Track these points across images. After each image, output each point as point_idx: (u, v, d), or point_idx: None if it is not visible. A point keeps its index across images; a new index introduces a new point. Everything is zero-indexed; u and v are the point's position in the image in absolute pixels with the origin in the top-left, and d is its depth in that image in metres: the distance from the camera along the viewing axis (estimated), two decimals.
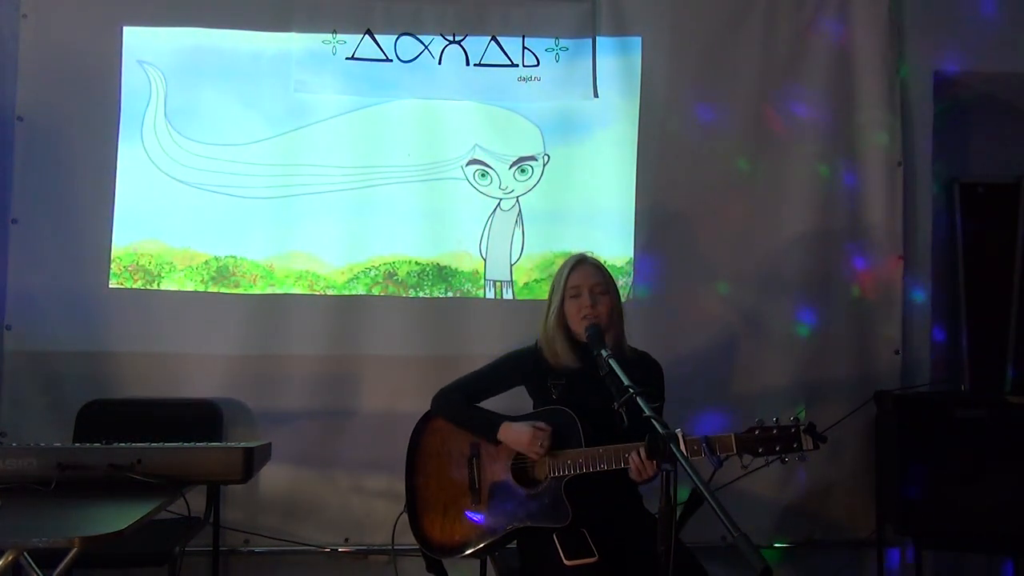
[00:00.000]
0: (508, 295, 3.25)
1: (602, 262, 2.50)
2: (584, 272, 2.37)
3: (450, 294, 3.23)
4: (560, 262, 3.16)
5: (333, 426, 3.15)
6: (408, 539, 2.41)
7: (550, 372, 2.40)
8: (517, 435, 2.30)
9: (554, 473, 2.28)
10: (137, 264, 3.16)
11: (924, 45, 3.35)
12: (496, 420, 2.36)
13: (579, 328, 2.32)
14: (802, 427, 2.07)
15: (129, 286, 3.16)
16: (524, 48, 3.28)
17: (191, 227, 3.20)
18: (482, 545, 2.31)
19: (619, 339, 2.39)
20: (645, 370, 2.41)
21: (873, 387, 3.19)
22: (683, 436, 1.98)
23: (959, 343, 3.49)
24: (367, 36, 3.25)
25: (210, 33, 3.22)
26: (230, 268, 3.19)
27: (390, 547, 2.55)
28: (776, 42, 3.31)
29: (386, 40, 3.25)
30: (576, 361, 2.35)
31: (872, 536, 3.20)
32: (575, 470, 2.25)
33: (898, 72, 3.33)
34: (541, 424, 2.29)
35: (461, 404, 2.43)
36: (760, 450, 2.08)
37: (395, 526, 2.47)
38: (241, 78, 3.22)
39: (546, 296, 2.49)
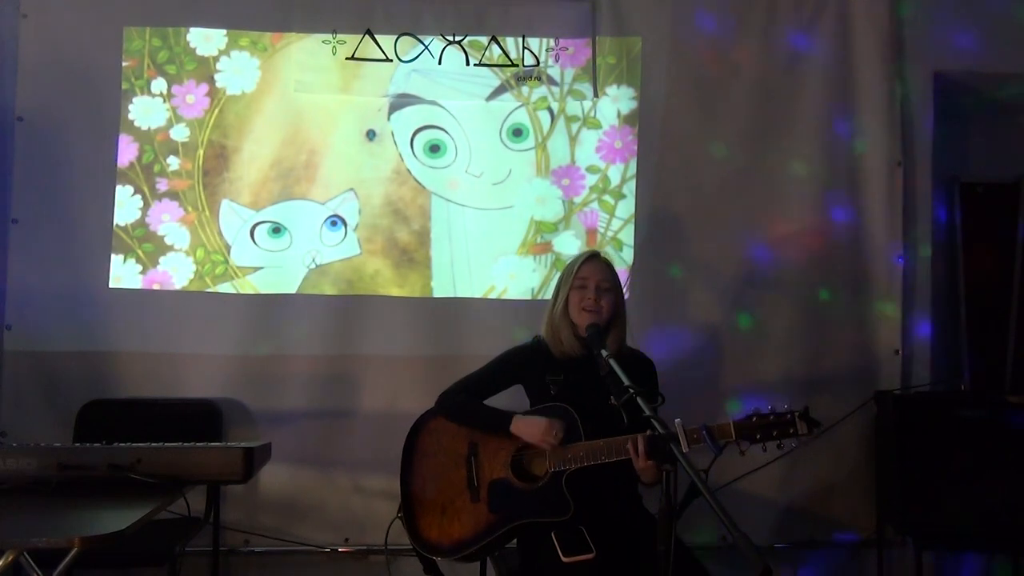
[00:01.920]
0: (508, 295, 3.25)
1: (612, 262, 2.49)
2: (594, 267, 2.40)
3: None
4: (560, 263, 3.22)
5: (333, 426, 3.15)
6: (406, 539, 2.41)
7: (548, 368, 2.40)
8: (531, 427, 2.30)
9: (554, 468, 2.28)
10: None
11: (924, 45, 3.35)
12: (506, 415, 2.36)
13: (579, 319, 2.34)
14: (796, 413, 2.10)
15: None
16: (524, 48, 3.28)
17: (192, 227, 3.21)
18: (482, 544, 2.31)
19: (620, 341, 2.39)
20: (638, 368, 2.41)
21: (873, 387, 3.19)
22: (682, 426, 1.99)
23: (959, 343, 3.49)
24: (367, 36, 3.25)
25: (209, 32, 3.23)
26: (229, 271, 3.20)
27: (385, 548, 2.54)
28: (776, 44, 3.31)
29: (386, 40, 3.26)
30: (580, 350, 2.35)
31: (872, 536, 3.20)
32: (576, 464, 2.25)
33: (898, 72, 3.33)
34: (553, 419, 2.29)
35: (469, 403, 2.43)
36: (758, 436, 2.10)
37: (389, 528, 2.46)
38: None
39: (547, 296, 2.49)
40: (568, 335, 2.37)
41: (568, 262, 2.49)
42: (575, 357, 2.37)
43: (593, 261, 2.42)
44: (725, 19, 3.31)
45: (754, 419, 2.12)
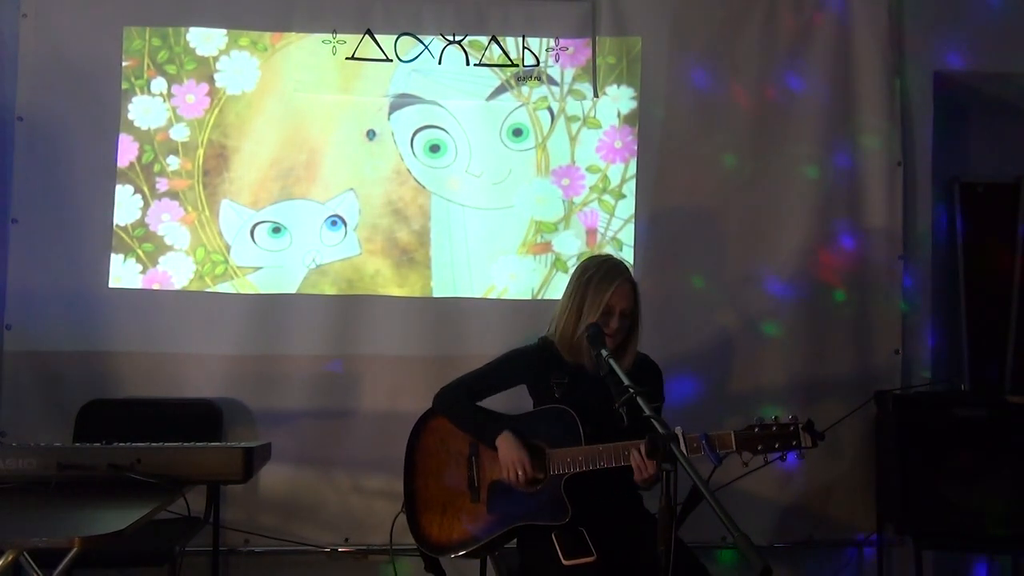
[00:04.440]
0: (509, 295, 3.25)
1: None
2: (623, 294, 2.32)
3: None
4: (560, 262, 3.22)
5: (333, 426, 3.15)
6: (408, 539, 2.41)
7: (553, 370, 2.40)
8: (507, 453, 2.28)
9: (553, 471, 2.28)
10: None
11: (924, 45, 3.35)
12: (495, 428, 2.34)
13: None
14: (800, 425, 2.08)
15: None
16: (524, 48, 3.28)
17: (192, 227, 3.21)
18: (481, 544, 2.31)
19: (634, 352, 2.37)
20: (645, 372, 2.41)
21: (873, 387, 3.18)
22: (683, 434, 1.98)
23: (959, 343, 3.49)
24: (367, 36, 3.25)
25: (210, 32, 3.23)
26: (229, 271, 3.20)
27: (388, 547, 2.55)
28: (775, 43, 3.31)
29: (386, 40, 3.26)
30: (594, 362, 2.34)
31: (872, 536, 3.20)
32: (575, 468, 2.24)
33: (898, 72, 3.33)
34: (531, 463, 2.27)
35: (463, 404, 2.42)
36: (759, 447, 2.09)
37: (392, 526, 2.47)
38: None
39: (548, 296, 2.47)
40: (589, 354, 2.29)
41: (591, 273, 2.36)
42: (588, 367, 2.35)
43: (623, 289, 2.32)
44: (724, 19, 3.31)
45: (756, 429, 2.10)
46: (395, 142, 3.26)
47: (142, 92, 3.22)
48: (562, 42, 3.28)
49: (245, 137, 3.22)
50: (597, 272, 2.35)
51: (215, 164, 3.22)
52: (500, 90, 3.28)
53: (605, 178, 3.28)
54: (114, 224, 3.18)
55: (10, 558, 1.76)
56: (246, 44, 3.25)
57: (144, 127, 3.21)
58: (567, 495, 2.25)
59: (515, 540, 2.35)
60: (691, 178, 3.28)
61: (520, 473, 2.25)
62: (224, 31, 3.24)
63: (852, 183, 3.30)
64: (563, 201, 3.27)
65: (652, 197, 3.27)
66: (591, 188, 3.28)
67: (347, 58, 3.25)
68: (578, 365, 2.37)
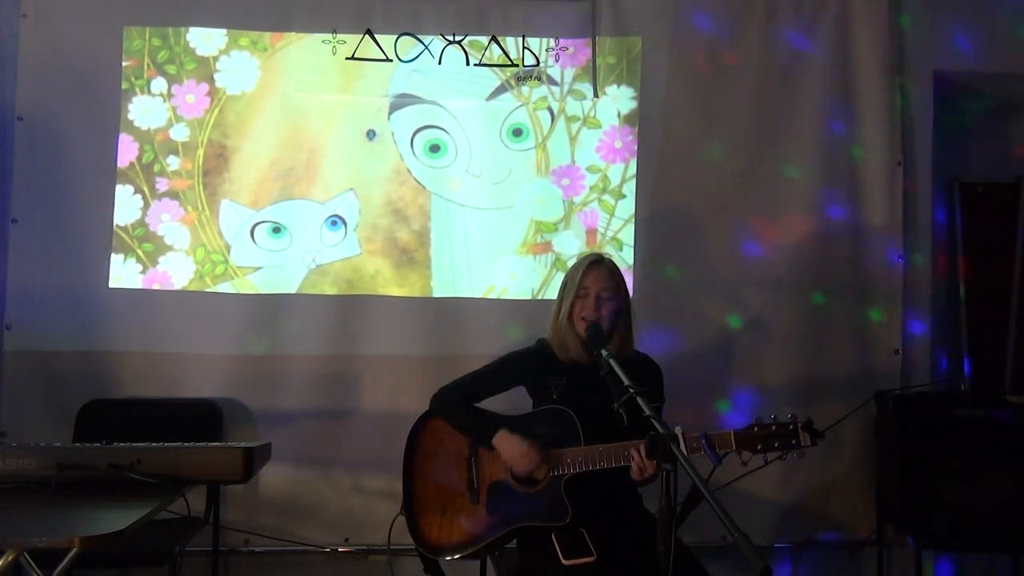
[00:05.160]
0: (508, 295, 3.25)
1: (615, 263, 2.46)
2: (596, 276, 2.36)
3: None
4: (561, 262, 3.22)
5: (333, 426, 3.15)
6: (408, 539, 2.41)
7: (551, 372, 2.40)
8: (510, 448, 2.29)
9: (553, 472, 2.28)
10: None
11: (924, 45, 3.35)
12: (491, 427, 2.34)
13: (580, 328, 2.33)
14: (800, 424, 2.09)
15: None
16: (524, 48, 3.28)
17: (192, 227, 3.20)
18: (481, 545, 2.31)
19: (624, 344, 2.38)
20: (645, 372, 2.41)
21: (873, 387, 3.18)
22: (683, 434, 1.99)
23: (959, 343, 3.49)
24: (367, 36, 3.25)
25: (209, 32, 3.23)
26: (229, 271, 3.20)
27: (387, 548, 2.55)
28: (776, 44, 3.31)
29: (386, 40, 3.26)
30: (587, 357, 2.34)
31: (872, 536, 3.20)
32: (574, 469, 2.25)
33: (898, 72, 3.32)
34: (536, 446, 2.28)
35: (459, 405, 2.42)
36: (759, 447, 2.10)
37: (391, 527, 2.47)
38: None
39: (548, 296, 2.48)
40: (575, 343, 2.35)
41: (571, 265, 2.48)
42: (581, 362, 2.37)
43: (595, 269, 2.37)
44: (725, 19, 3.31)
45: (755, 428, 2.11)
46: (395, 142, 3.26)
47: (142, 92, 3.22)
48: (562, 42, 3.28)
49: (245, 137, 3.23)
50: (577, 265, 2.44)
51: (215, 164, 3.22)
52: (500, 90, 3.28)
53: (605, 178, 3.28)
54: (114, 224, 3.18)
55: (10, 558, 1.76)
56: (246, 44, 3.25)
57: (144, 127, 3.21)
58: (567, 495, 2.25)
59: (515, 540, 2.35)
60: (691, 178, 3.28)
61: (528, 463, 2.25)
62: (224, 31, 3.24)
63: (852, 183, 3.30)
64: (563, 201, 3.27)
65: (652, 197, 3.27)
66: (591, 188, 3.28)
67: (347, 58, 3.25)
68: (574, 364, 2.37)
